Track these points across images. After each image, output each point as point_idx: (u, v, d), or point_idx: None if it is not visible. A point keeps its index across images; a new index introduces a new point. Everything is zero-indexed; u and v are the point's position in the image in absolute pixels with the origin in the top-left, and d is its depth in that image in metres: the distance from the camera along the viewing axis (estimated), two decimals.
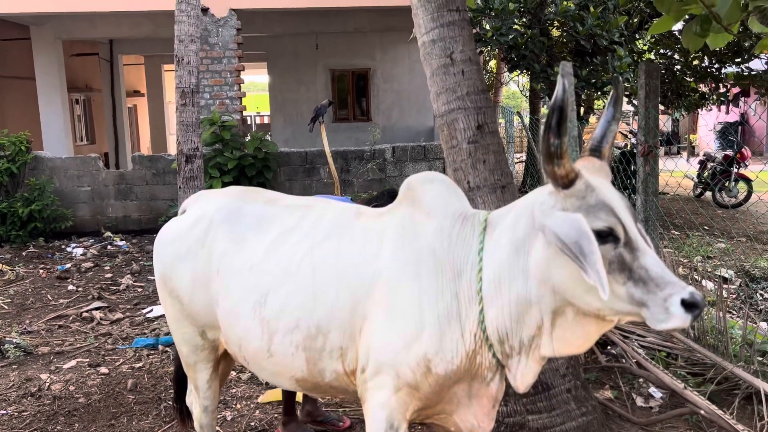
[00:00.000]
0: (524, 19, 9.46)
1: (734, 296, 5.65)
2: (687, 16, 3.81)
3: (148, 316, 5.82)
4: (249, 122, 23.30)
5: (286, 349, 2.25)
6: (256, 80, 27.91)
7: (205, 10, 9.41)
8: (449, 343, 2.06)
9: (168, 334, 5.23)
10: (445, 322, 2.07)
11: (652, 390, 3.76)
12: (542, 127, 1.74)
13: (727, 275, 6.49)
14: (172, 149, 16.07)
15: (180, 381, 3.07)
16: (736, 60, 10.74)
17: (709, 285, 5.31)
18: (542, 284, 1.89)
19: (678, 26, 6.60)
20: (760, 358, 3.70)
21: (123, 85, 14.69)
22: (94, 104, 15.60)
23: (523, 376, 2.06)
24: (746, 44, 9.86)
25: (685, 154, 22.25)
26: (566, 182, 1.80)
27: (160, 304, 6.02)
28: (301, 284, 2.23)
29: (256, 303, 2.29)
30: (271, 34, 12.64)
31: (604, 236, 1.74)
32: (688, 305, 1.65)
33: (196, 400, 2.78)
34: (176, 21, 6.30)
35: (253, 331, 2.30)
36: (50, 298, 6.43)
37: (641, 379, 3.86)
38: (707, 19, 3.63)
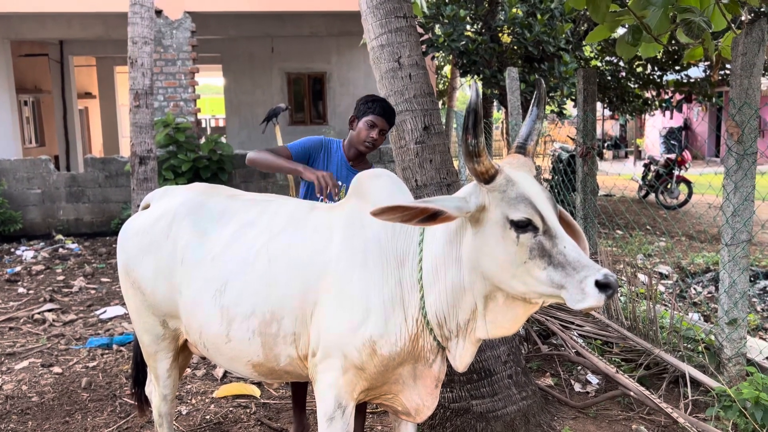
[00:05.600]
0: (475, 26, 9.75)
1: (670, 291, 5.97)
2: (625, 26, 4.08)
3: (101, 317, 5.80)
4: (204, 125, 23.11)
5: (243, 334, 2.38)
6: (211, 83, 27.65)
7: (158, 12, 9.39)
8: (393, 327, 2.22)
9: (122, 333, 5.26)
10: (389, 307, 2.22)
11: (589, 376, 4.01)
12: (461, 130, 1.91)
13: (665, 272, 6.84)
14: (125, 152, 15.86)
15: (139, 369, 3.17)
16: (676, 68, 11.26)
17: (645, 279, 5.62)
18: (473, 271, 2.05)
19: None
20: (687, 345, 3.98)
21: (74, 86, 14.43)
22: (43, 106, 15.26)
23: (462, 357, 2.23)
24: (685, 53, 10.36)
25: (632, 157, 23.00)
26: (487, 178, 1.96)
27: (113, 306, 6.05)
28: (257, 273, 2.38)
29: (216, 291, 2.42)
30: (226, 36, 12.64)
31: (524, 226, 1.89)
32: (602, 286, 1.80)
33: (155, 389, 2.88)
34: (129, 23, 6.32)
35: (214, 317, 2.43)
36: (0, 301, 6.34)
37: (579, 366, 4.10)
38: (638, 30, 3.91)
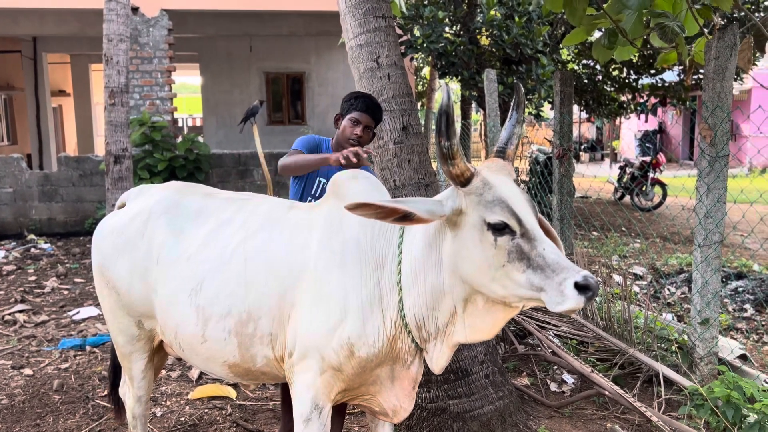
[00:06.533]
0: (454, 28, 9.79)
1: (644, 291, 6.05)
2: (601, 30, 4.13)
3: (74, 318, 5.71)
4: (181, 124, 22.90)
5: (219, 334, 2.35)
6: (188, 82, 27.40)
7: (135, 10, 9.28)
8: (371, 329, 2.21)
9: (96, 334, 5.18)
10: (368, 309, 2.21)
11: (565, 376, 4.04)
12: (433, 133, 1.90)
13: (640, 272, 6.93)
14: (100, 151, 15.64)
15: (116, 373, 3.12)
16: (651, 72, 11.42)
17: (620, 280, 5.68)
18: (453, 275, 2.04)
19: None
20: (660, 345, 4.03)
21: (47, 84, 14.19)
22: (16, 103, 15.00)
23: (438, 359, 2.22)
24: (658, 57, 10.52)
25: (607, 160, 23.28)
26: (463, 180, 1.95)
27: (87, 306, 5.96)
28: (233, 273, 2.35)
29: (192, 291, 2.39)
30: (203, 35, 12.53)
31: (500, 229, 1.89)
32: (581, 288, 1.79)
33: (130, 391, 2.84)
34: (105, 19, 6.24)
35: (189, 317, 2.40)
36: None
37: (555, 366, 4.13)
38: (614, 33, 3.96)
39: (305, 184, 3.07)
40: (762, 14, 9.24)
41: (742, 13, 8.67)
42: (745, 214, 4.30)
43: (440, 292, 2.10)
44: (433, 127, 14.98)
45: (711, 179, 3.63)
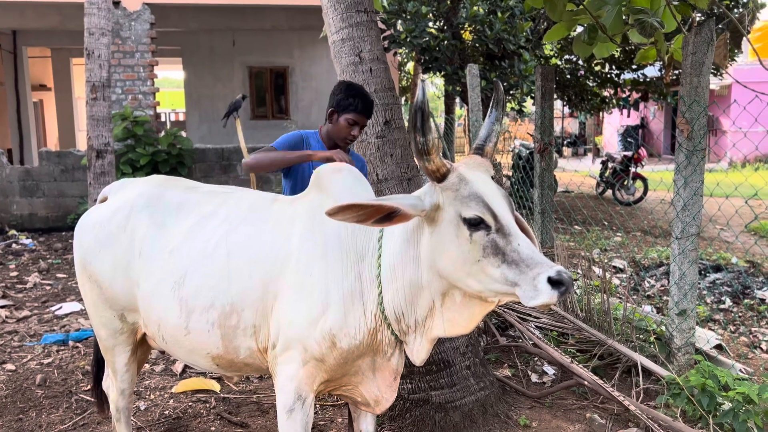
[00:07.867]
0: (437, 23, 9.83)
1: (624, 284, 6.14)
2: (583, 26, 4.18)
3: (57, 313, 5.68)
4: (163, 119, 22.72)
5: (203, 326, 2.37)
6: (171, 76, 27.19)
7: (116, 3, 9.21)
8: (352, 320, 2.24)
9: (78, 329, 5.16)
10: (349, 301, 2.24)
11: (546, 367, 4.10)
12: (408, 129, 1.92)
13: (620, 265, 7.02)
14: (81, 146, 15.49)
15: (99, 367, 3.12)
16: (633, 67, 11.53)
17: (600, 272, 5.76)
18: (430, 270, 2.08)
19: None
20: (639, 336, 4.10)
21: (28, 78, 14.03)
22: None
23: (418, 352, 2.26)
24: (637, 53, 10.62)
25: (590, 155, 23.46)
26: (439, 176, 1.99)
27: (69, 302, 5.93)
28: (216, 266, 2.37)
29: (175, 284, 2.41)
30: (186, 29, 12.45)
31: (476, 224, 1.91)
32: (554, 283, 1.81)
33: (113, 384, 2.85)
34: (86, 13, 6.19)
35: (172, 310, 2.41)
36: None
37: (536, 357, 4.19)
38: (594, 29, 4.01)
39: (299, 180, 3.06)
40: (740, 10, 9.37)
41: (721, 9, 8.79)
42: (722, 206, 4.38)
43: (418, 286, 2.13)
44: None
45: (688, 172, 3.69)
